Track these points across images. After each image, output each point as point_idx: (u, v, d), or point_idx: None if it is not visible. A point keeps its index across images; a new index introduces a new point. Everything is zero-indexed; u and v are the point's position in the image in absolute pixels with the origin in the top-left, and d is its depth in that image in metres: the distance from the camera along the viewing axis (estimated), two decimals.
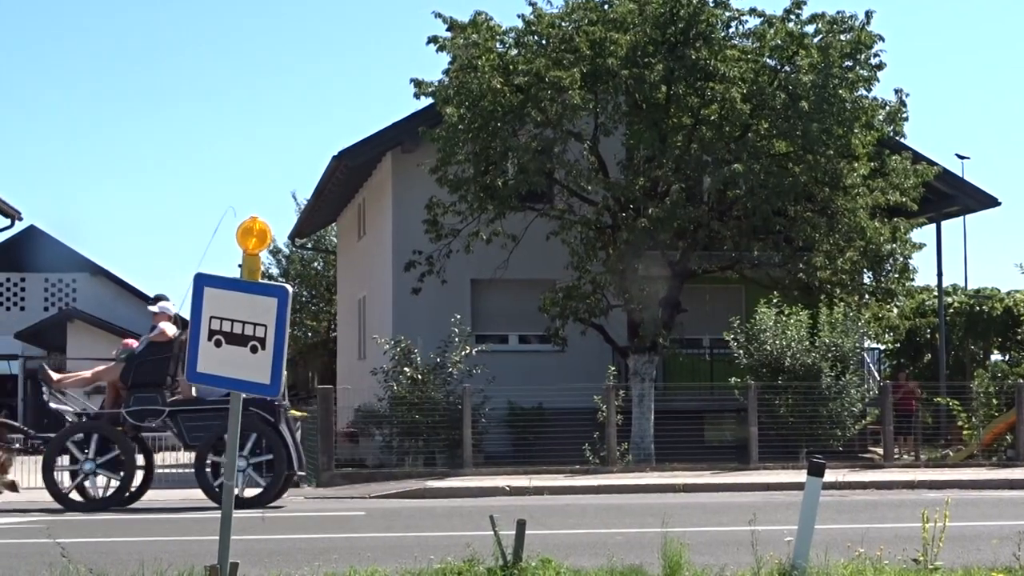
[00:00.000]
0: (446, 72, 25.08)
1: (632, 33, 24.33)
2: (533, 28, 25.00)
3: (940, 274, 31.73)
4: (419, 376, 24.17)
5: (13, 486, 18.35)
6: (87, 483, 18.91)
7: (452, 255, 25.60)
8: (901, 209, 26.02)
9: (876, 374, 30.64)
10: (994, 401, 26.14)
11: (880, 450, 25.79)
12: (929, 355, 34.28)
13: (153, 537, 14.54)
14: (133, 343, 19.65)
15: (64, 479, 19.28)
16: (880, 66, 25.14)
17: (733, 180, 24.32)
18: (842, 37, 24.84)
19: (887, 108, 25.41)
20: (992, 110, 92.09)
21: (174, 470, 26.24)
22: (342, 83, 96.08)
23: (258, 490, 18.68)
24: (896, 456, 25.51)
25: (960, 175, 33.24)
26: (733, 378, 25.01)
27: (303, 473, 19.34)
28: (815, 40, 24.99)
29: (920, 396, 28.08)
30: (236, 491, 18.24)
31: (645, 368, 25.25)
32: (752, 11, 25.20)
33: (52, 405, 19.37)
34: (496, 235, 25.15)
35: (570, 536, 14.16)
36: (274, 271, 49.90)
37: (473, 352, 24.73)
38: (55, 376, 19.41)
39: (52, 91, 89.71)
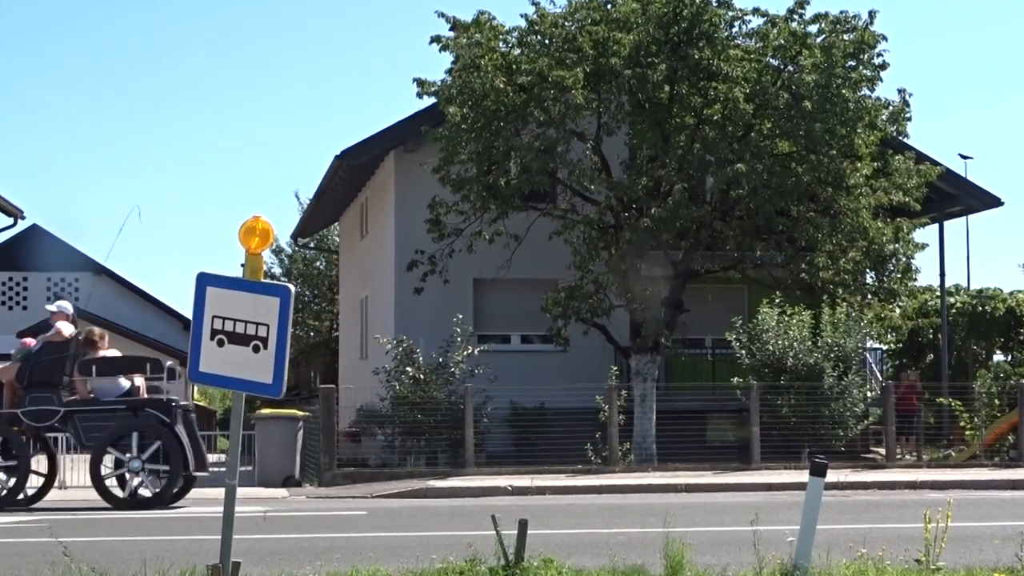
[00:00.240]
0: (449, 71, 25.07)
1: (635, 33, 24.33)
2: (536, 28, 24.99)
3: (943, 274, 31.73)
4: (421, 376, 24.16)
5: None
6: None
7: (454, 255, 25.60)
8: (904, 209, 26.02)
9: (878, 374, 30.63)
10: (996, 401, 26.13)
11: (882, 450, 25.77)
12: (931, 355, 34.25)
13: (155, 536, 14.54)
14: (31, 342, 19.33)
15: None
16: (883, 66, 25.14)
17: (736, 180, 24.32)
18: (845, 37, 24.84)
19: (890, 108, 25.41)
20: (995, 110, 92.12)
21: None
22: (345, 82, 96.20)
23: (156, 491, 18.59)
24: (898, 456, 25.50)
25: (963, 175, 33.21)
26: (735, 378, 24.99)
27: (205, 473, 19.36)
28: (818, 40, 24.98)
29: (921, 392, 28.03)
30: (124, 493, 18.45)
31: (647, 368, 25.24)
32: (755, 11, 25.22)
33: None
34: (499, 235, 25.14)
35: (572, 536, 14.15)
36: (277, 270, 49.95)
37: (475, 352, 24.72)
38: None
39: (54, 91, 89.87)
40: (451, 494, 20.76)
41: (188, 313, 9.03)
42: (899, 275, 26.81)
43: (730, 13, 24.97)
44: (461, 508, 18.10)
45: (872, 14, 24.83)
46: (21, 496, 18.60)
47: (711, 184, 25.53)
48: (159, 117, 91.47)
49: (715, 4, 24.74)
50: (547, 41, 24.87)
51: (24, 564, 11.81)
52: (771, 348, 24.82)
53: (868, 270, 27.02)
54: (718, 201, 25.79)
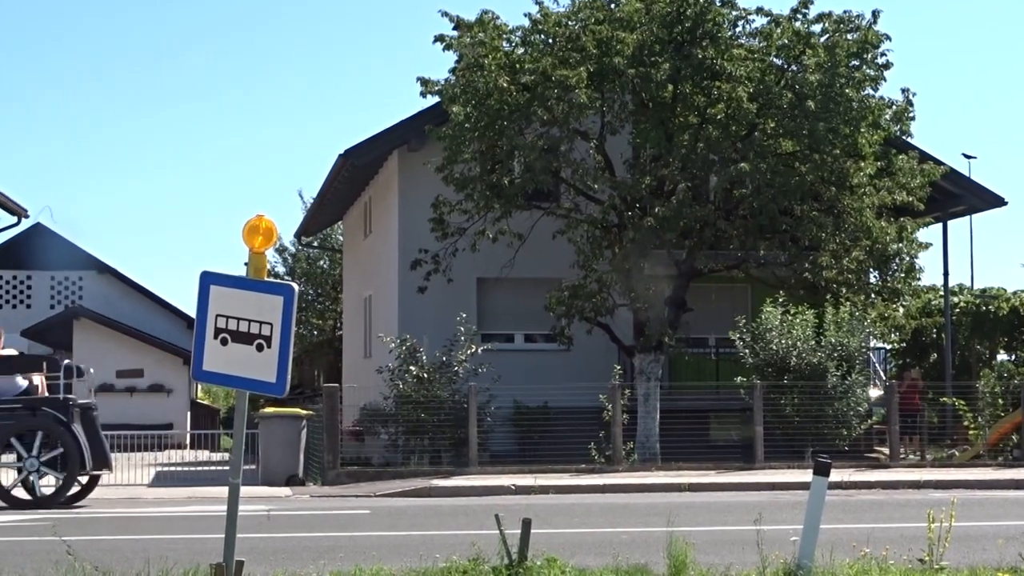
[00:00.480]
0: (453, 71, 25.07)
1: (639, 32, 24.32)
2: (540, 27, 24.99)
3: (946, 274, 31.70)
4: (425, 375, 24.17)
5: None
6: None
7: (458, 254, 25.60)
8: (907, 209, 26.00)
9: (882, 374, 30.62)
10: (1000, 401, 26.12)
11: (886, 450, 25.77)
12: (935, 355, 34.24)
13: (158, 535, 14.55)
14: None
15: None
16: (887, 65, 25.12)
17: (739, 179, 24.32)
18: (849, 36, 24.82)
19: (894, 107, 25.40)
20: (999, 110, 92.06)
21: (178, 468, 26.30)
22: (349, 81, 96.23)
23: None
24: (902, 456, 25.48)
25: (967, 174, 33.21)
26: (739, 377, 24.98)
27: (108, 471, 19.39)
28: (822, 39, 24.96)
29: (923, 391, 28.01)
30: (19, 491, 18.47)
31: (651, 367, 25.24)
32: (759, 10, 25.22)
33: None
34: (502, 234, 25.15)
35: (575, 535, 14.16)
36: (280, 269, 49.97)
37: (479, 351, 24.74)
38: None
39: (55, 91, 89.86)
40: (455, 493, 20.77)
41: (192, 312, 9.04)
42: (903, 274, 26.79)
43: (734, 12, 24.97)
44: (465, 507, 18.11)
45: (876, 14, 24.81)
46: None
47: (715, 183, 25.52)
48: (162, 116, 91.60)
49: (719, 3, 24.73)
50: (551, 40, 24.86)
51: (28, 563, 11.82)
52: (775, 347, 24.82)
53: (872, 269, 27.00)
54: (722, 200, 25.78)
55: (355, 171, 29.75)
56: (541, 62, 24.23)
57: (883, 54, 25.02)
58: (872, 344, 29.56)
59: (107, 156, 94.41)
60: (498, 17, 25.08)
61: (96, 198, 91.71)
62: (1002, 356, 34.89)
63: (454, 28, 25.15)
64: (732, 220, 25.52)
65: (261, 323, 8.52)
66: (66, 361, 19.80)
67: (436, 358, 24.45)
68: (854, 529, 13.88)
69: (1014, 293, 35.00)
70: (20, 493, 18.75)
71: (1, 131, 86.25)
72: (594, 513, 17.25)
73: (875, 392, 27.10)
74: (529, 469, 22.91)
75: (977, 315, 34.06)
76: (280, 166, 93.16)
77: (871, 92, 25.10)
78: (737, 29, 25.28)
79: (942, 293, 32.63)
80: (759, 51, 25.08)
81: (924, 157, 27.05)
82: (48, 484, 18.90)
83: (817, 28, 25.11)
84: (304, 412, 24.83)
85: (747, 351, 25.06)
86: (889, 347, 33.30)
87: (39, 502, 18.42)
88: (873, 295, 27.16)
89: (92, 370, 21.55)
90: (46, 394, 18.91)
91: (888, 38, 25.00)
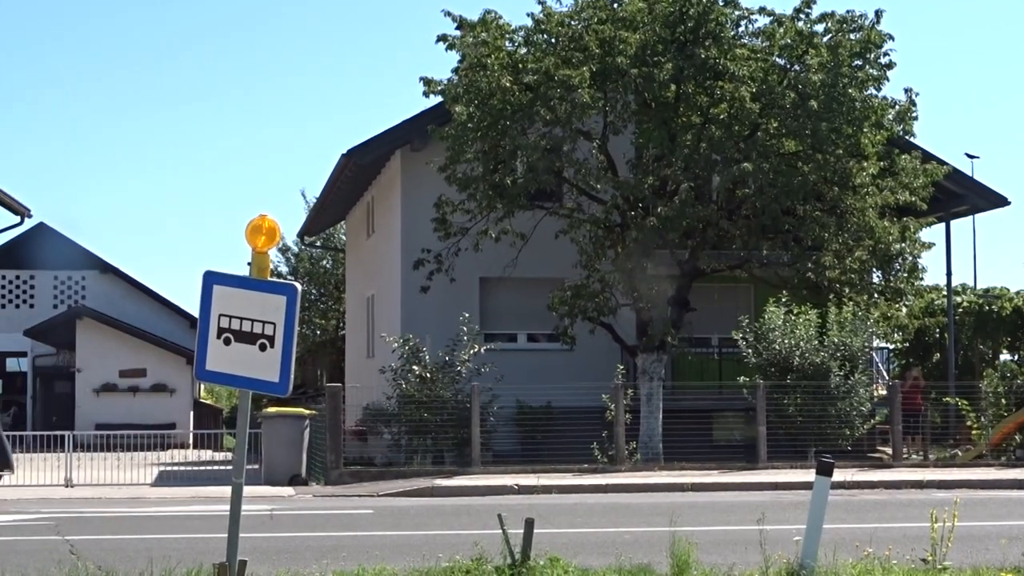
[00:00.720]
0: (455, 70, 25.07)
1: (641, 32, 24.32)
2: (542, 27, 24.99)
3: (949, 273, 31.69)
4: (428, 374, 24.17)
5: None
6: None
7: (461, 253, 25.60)
8: (910, 208, 25.98)
9: (885, 373, 30.60)
10: (1003, 401, 26.11)
11: (889, 450, 25.76)
12: (938, 355, 34.23)
13: (162, 535, 14.56)
14: None
15: None
16: (890, 65, 25.11)
17: (742, 179, 24.32)
18: (852, 36, 24.81)
19: (896, 107, 25.38)
20: (1001, 109, 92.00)
21: (181, 468, 26.31)
22: (351, 81, 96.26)
23: None
24: (905, 456, 25.48)
25: (970, 174, 33.19)
26: (742, 377, 24.98)
27: (9, 471, 19.38)
28: (824, 39, 24.95)
29: (925, 390, 27.99)
30: None
31: (653, 367, 25.24)
32: (761, 10, 25.21)
33: None
34: (505, 233, 25.15)
35: (578, 535, 14.16)
36: (283, 269, 49.93)
37: (481, 350, 24.73)
38: None
39: (55, 91, 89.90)
40: (457, 493, 20.79)
41: (195, 311, 9.05)
42: (905, 274, 26.77)
43: (736, 12, 24.96)
44: (467, 507, 18.12)
45: (879, 13, 24.80)
46: None
47: (717, 183, 25.51)
48: (164, 116, 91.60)
49: (721, 3, 24.72)
50: (553, 40, 24.86)
51: (31, 562, 11.83)
52: (777, 347, 24.81)
53: (874, 269, 26.98)
54: (724, 200, 25.78)
55: (358, 171, 29.75)
56: (544, 62, 24.23)
57: (886, 54, 25.03)
58: (875, 344, 29.55)
59: (109, 156, 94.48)
60: (501, 17, 25.09)
61: (98, 198, 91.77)
62: (1005, 356, 34.86)
63: (457, 28, 25.15)
64: (735, 220, 25.51)
65: (264, 323, 8.52)
66: None
67: (439, 358, 24.45)
68: (857, 529, 13.88)
69: (1017, 293, 34.98)
70: None
71: (2, 131, 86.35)
72: (597, 513, 17.26)
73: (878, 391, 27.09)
74: (532, 469, 22.92)
75: (980, 315, 34.04)
76: (283, 166, 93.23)
77: (874, 92, 25.10)
78: (740, 29, 25.27)
79: (945, 293, 32.61)
80: (762, 51, 25.07)
81: (927, 157, 27.04)
82: None
83: (820, 28, 25.11)
84: (307, 412, 24.84)
85: (750, 351, 25.06)
86: (892, 347, 33.28)
87: None
88: (876, 295, 27.13)
89: None
90: None
91: (891, 38, 25.01)
